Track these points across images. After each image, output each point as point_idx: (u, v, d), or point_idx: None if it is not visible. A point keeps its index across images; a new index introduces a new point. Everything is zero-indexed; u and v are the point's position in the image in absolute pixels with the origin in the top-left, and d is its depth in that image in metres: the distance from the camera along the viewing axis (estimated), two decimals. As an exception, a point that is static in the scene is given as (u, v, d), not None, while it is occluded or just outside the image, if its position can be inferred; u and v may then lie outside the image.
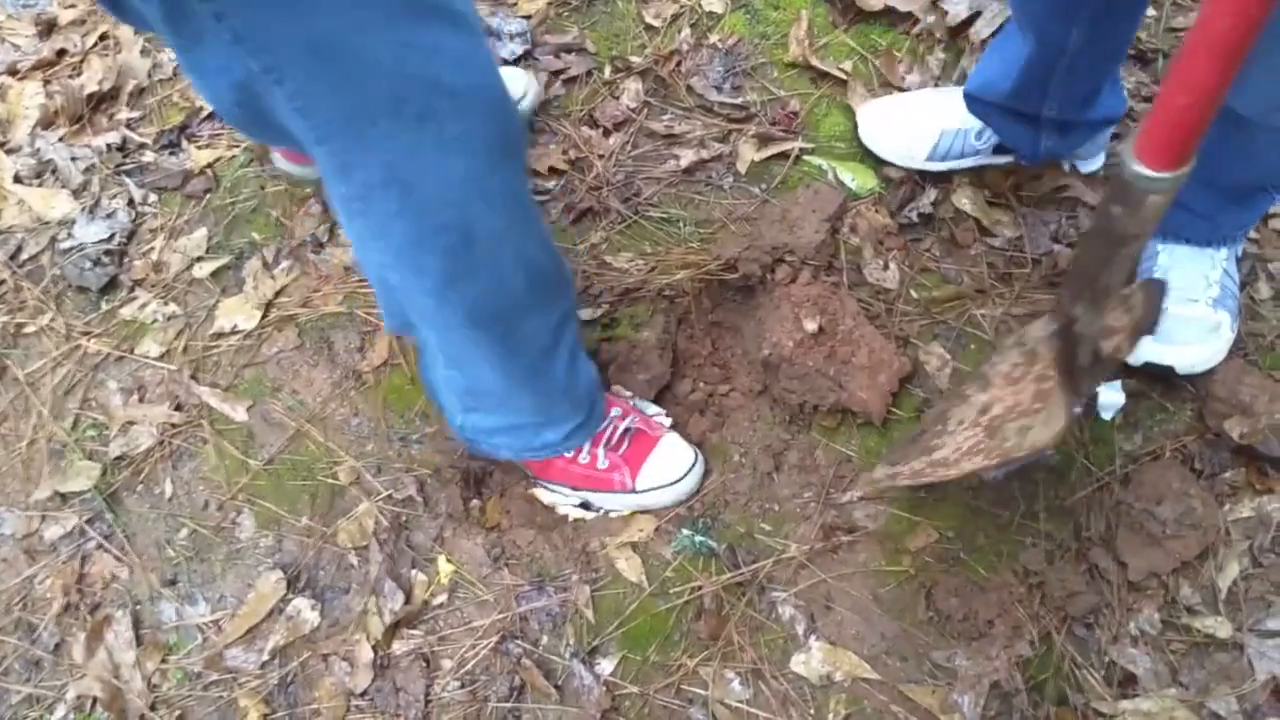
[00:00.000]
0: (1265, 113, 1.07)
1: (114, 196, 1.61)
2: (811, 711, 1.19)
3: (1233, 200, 1.29)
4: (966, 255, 1.47)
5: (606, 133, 1.60)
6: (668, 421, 1.39)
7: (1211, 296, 1.33)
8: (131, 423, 1.42)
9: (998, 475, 0.99)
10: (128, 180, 1.63)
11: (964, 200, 1.50)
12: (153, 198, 1.62)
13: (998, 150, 1.50)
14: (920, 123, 1.50)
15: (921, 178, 1.53)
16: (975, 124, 1.46)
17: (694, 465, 1.33)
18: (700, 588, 1.26)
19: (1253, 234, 1.47)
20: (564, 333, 1.19)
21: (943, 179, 1.53)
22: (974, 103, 1.44)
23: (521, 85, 1.57)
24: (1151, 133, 0.75)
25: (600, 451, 1.32)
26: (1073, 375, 0.99)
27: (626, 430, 1.33)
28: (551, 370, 1.19)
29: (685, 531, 1.30)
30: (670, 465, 1.32)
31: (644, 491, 1.32)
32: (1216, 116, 1.02)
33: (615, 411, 1.34)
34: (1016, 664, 1.19)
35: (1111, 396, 1.34)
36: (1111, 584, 1.24)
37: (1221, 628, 1.21)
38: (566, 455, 1.31)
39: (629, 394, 1.40)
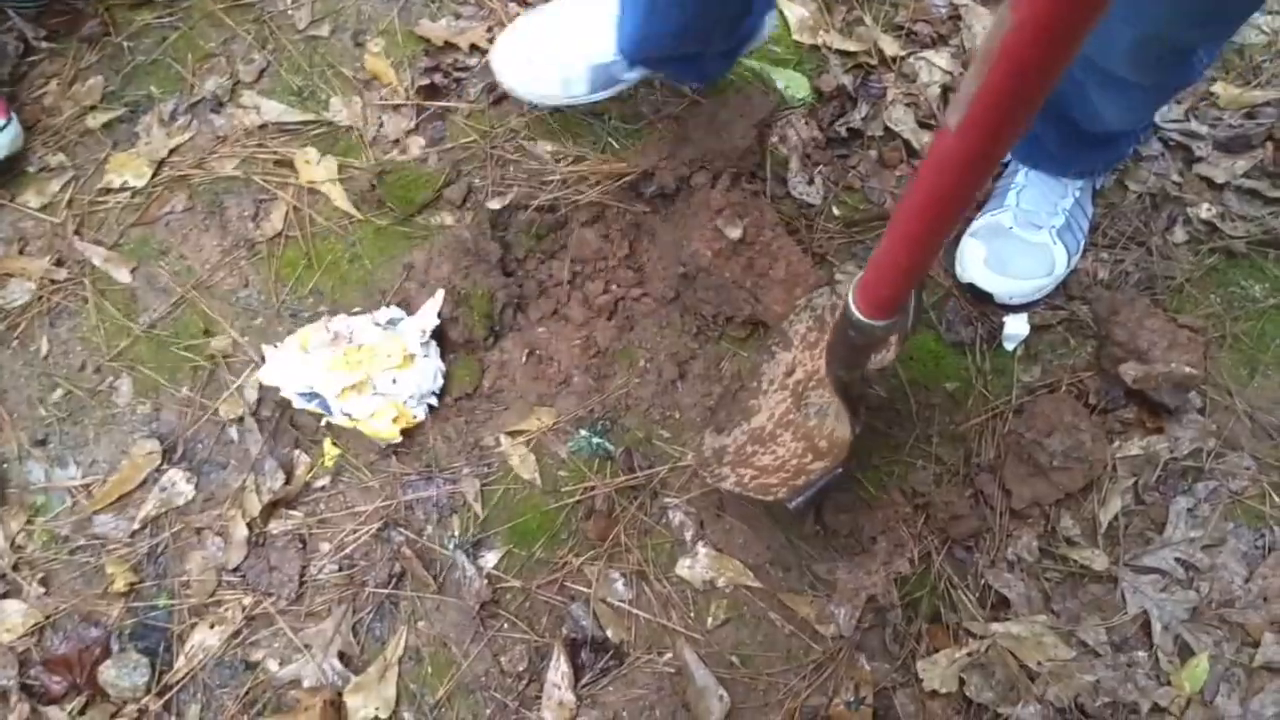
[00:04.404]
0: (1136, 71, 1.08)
1: (4, 30, 1.50)
2: (691, 614, 1.20)
3: (1091, 144, 1.28)
4: (892, 176, 1.45)
5: (535, 12, 1.52)
6: None
7: (1055, 226, 1.34)
8: (9, 275, 1.34)
9: (800, 504, 1.06)
10: (15, 16, 1.51)
11: (894, 118, 1.47)
12: (43, 32, 1.51)
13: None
14: (566, 58, 1.36)
15: (855, 91, 1.49)
16: None
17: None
18: (593, 489, 1.25)
19: (1175, 178, 1.47)
20: None
21: (879, 95, 1.49)
22: (634, 56, 1.32)
23: None
24: (865, 295, 0.85)
25: None
26: (851, 403, 1.07)
27: None
28: None
29: (583, 432, 1.28)
30: None
31: None
32: (1083, 71, 1.02)
33: None
34: (894, 580, 1.20)
35: (1016, 327, 1.34)
36: (995, 510, 1.25)
37: (1098, 560, 1.23)
38: None
39: None
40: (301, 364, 1.24)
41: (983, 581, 1.22)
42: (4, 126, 1.35)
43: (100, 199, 1.39)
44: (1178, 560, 1.23)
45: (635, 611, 1.20)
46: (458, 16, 1.53)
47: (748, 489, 1.12)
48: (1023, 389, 1.32)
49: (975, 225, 1.36)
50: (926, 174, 0.67)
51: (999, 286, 1.32)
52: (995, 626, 1.20)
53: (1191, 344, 1.32)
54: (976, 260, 1.32)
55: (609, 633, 1.18)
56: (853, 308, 0.87)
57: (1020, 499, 1.26)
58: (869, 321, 0.86)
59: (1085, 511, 1.26)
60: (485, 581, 1.20)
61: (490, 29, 1.51)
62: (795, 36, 1.55)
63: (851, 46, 1.54)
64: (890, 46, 1.54)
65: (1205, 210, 1.44)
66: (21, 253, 1.36)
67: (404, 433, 1.25)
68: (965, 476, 1.27)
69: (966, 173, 0.64)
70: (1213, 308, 1.38)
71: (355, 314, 1.31)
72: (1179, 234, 1.43)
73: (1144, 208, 1.45)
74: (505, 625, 1.18)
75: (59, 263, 1.35)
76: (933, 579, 1.22)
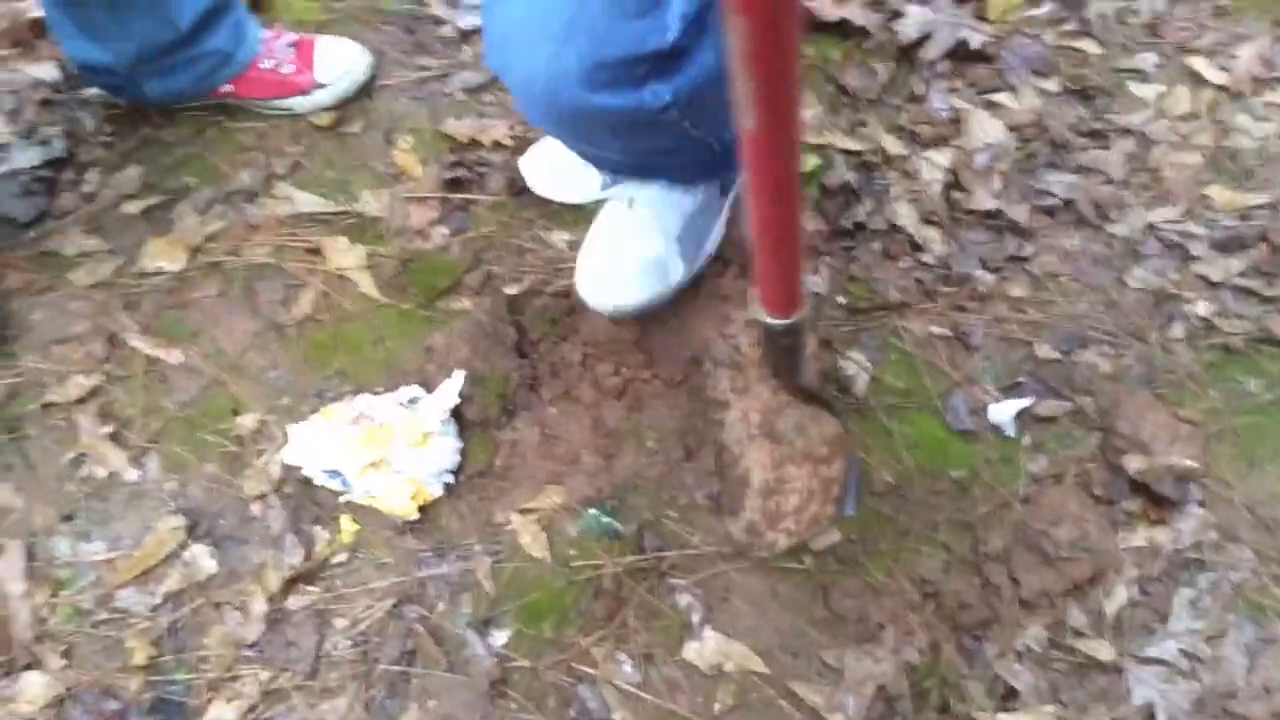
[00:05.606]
0: None
1: (52, 124, 1.58)
2: (699, 699, 1.21)
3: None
4: (896, 268, 1.50)
5: (556, 112, 1.60)
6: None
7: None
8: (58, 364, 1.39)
9: (851, 507, 1.12)
10: (82, 112, 1.60)
11: (898, 213, 1.53)
12: (108, 128, 1.60)
13: None
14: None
15: (859, 187, 1.55)
16: None
17: (362, 51, 1.61)
18: (602, 567, 1.27)
19: (1173, 276, 1.51)
20: None
21: (882, 191, 1.55)
22: None
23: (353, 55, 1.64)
24: (772, 302, 0.94)
25: (281, 56, 1.57)
26: (819, 399, 1.20)
27: (289, 42, 1.59)
28: None
29: (592, 511, 1.31)
30: (341, 52, 1.60)
31: (331, 84, 1.59)
32: None
33: (269, 33, 1.60)
34: (903, 669, 1.21)
35: (998, 414, 1.38)
36: (1003, 599, 1.26)
37: (1104, 651, 1.24)
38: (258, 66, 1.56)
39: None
40: (325, 442, 1.28)
41: (991, 671, 1.23)
42: None
43: (136, 283, 1.45)
44: (1181, 651, 1.23)
45: (643, 695, 1.20)
46: (481, 115, 1.61)
47: (803, 533, 1.19)
48: (1029, 479, 1.35)
49: None
50: (756, 176, 0.74)
51: (601, 300, 1.34)
52: (1003, 717, 1.20)
53: (1192, 437, 1.35)
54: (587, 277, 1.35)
55: (616, 717, 1.19)
56: (769, 320, 0.95)
57: (1029, 588, 1.27)
58: (787, 321, 0.95)
59: (1092, 602, 1.27)
60: (495, 660, 1.21)
61: (512, 126, 1.58)
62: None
63: (856, 145, 1.61)
64: (893, 146, 1.61)
65: (1203, 307, 1.48)
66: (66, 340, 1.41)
67: (421, 509, 1.28)
68: (974, 565, 1.29)
69: (782, 155, 0.72)
70: (1212, 402, 1.41)
71: (377, 393, 1.35)
72: (1177, 330, 1.47)
73: (1144, 304, 1.49)
74: (514, 706, 1.19)
75: (108, 345, 1.41)
76: (942, 668, 1.22)
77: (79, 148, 1.58)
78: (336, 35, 1.65)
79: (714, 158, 1.20)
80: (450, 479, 1.31)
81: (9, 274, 1.45)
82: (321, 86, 1.59)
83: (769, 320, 0.95)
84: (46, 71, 1.64)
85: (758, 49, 0.61)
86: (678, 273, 1.32)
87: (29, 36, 1.68)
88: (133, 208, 1.52)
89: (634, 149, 0.97)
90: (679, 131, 0.97)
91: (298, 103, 1.60)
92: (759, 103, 0.66)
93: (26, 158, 1.54)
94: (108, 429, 1.34)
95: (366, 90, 1.64)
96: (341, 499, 1.30)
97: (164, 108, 1.61)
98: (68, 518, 1.30)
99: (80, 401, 1.36)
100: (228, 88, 1.57)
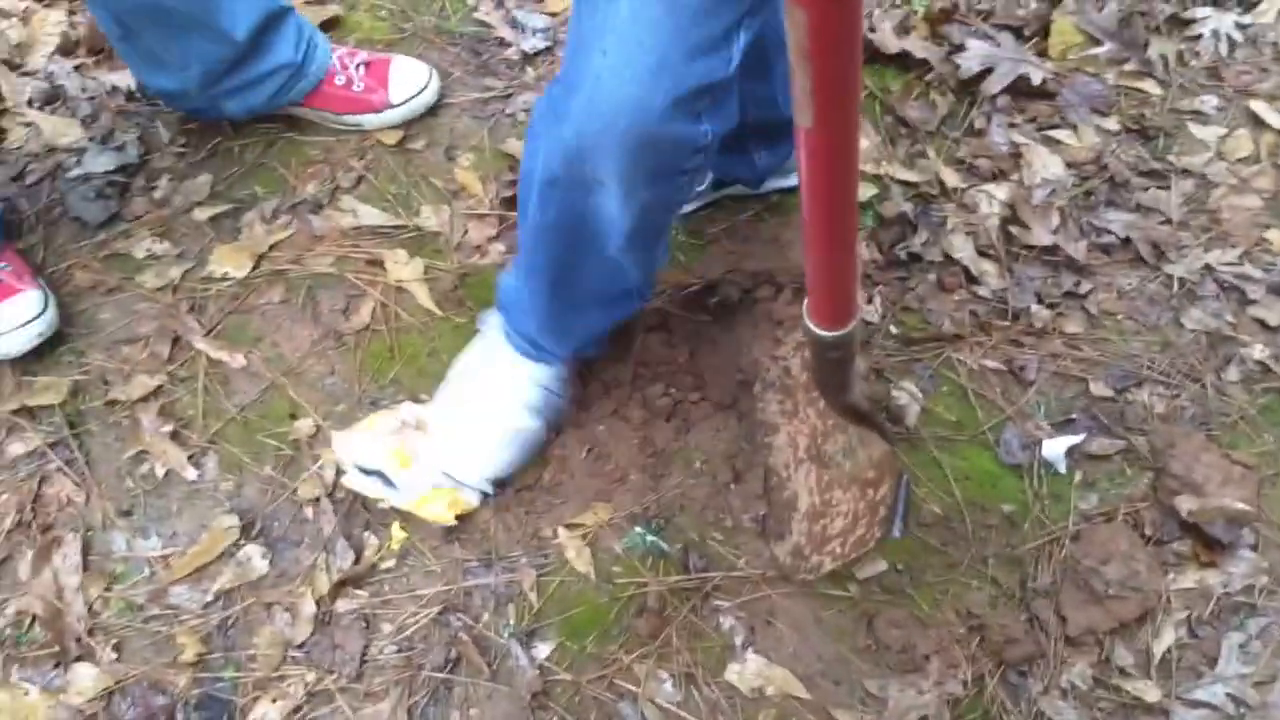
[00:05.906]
0: None
1: (127, 130, 1.63)
2: (739, 722, 1.21)
3: None
4: (950, 300, 1.50)
5: (616, 135, 1.63)
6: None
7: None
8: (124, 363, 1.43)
9: (899, 527, 1.11)
10: (158, 122, 1.65)
11: (954, 245, 1.53)
12: (181, 139, 1.65)
13: (718, 185, 1.52)
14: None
15: (915, 218, 1.56)
16: None
17: (432, 73, 1.65)
18: (646, 586, 1.27)
19: (1229, 319, 1.50)
20: None
21: (939, 223, 1.56)
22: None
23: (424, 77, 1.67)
24: (823, 313, 0.92)
25: (354, 74, 1.60)
26: (868, 420, 1.19)
27: (362, 61, 1.63)
28: None
29: (638, 529, 1.31)
30: (413, 73, 1.63)
31: (402, 104, 1.62)
32: None
33: (343, 50, 1.64)
34: (947, 702, 1.20)
35: (1051, 450, 1.37)
36: (1050, 636, 1.26)
37: (1150, 692, 1.23)
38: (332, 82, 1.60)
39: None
40: (369, 443, 1.30)
41: (1035, 708, 1.22)
42: (42, 312, 1.40)
43: (203, 287, 1.49)
44: (1229, 696, 1.22)
45: (683, 715, 1.21)
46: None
47: (848, 556, 1.20)
48: (1080, 516, 1.34)
49: None
50: (811, 177, 0.73)
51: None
52: (1047, 754, 1.19)
53: (1245, 480, 1.34)
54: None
55: (656, 735, 1.19)
56: (820, 331, 0.94)
57: (1076, 626, 1.26)
58: (838, 333, 0.94)
59: (1139, 642, 1.26)
60: (537, 672, 1.22)
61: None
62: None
63: (913, 177, 1.61)
64: (951, 178, 1.62)
65: (1259, 351, 1.47)
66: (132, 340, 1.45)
67: (459, 518, 1.30)
68: (1021, 600, 1.28)
69: (840, 156, 0.71)
70: (1266, 446, 1.39)
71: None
72: (1233, 373, 1.45)
73: (1199, 346, 1.48)
74: (555, 718, 1.20)
75: (172, 346, 1.44)
76: (985, 703, 1.21)
77: (152, 154, 1.63)
78: (404, 54, 1.69)
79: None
80: (489, 488, 1.33)
81: (79, 274, 1.50)
82: (393, 106, 1.63)
83: (819, 332, 0.95)
84: (123, 79, 1.69)
85: (817, 40, 0.61)
86: (540, 439, 1.36)
87: (106, 45, 1.73)
88: (202, 214, 1.56)
89: (651, 204, 1.02)
90: (689, 187, 1.05)
91: (368, 120, 1.64)
92: (817, 97, 0.65)
93: (100, 162, 1.59)
94: (168, 428, 1.37)
95: (431, 108, 1.67)
96: (386, 504, 1.32)
97: (239, 122, 1.65)
98: (126, 513, 1.33)
99: (143, 400, 1.39)
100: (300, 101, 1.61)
